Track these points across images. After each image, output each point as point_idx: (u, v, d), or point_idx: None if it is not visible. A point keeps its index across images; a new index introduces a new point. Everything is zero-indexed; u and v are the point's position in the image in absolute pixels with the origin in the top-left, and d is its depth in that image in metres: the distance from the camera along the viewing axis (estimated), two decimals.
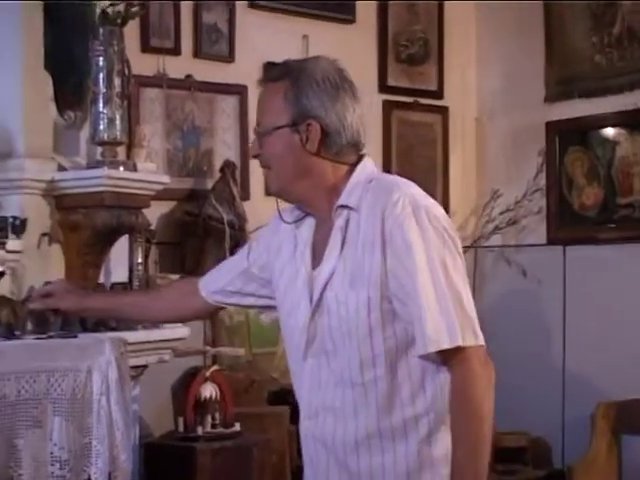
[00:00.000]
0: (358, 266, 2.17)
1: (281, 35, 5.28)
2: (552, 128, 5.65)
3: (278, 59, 4.97)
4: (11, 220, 3.72)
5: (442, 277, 2.11)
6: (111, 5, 3.79)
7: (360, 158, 2.28)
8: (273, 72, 2.31)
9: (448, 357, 2.11)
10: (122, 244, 4.16)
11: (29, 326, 3.26)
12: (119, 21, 3.84)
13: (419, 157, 5.96)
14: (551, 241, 5.66)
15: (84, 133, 4.09)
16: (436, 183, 5.97)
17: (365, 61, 5.69)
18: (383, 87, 5.80)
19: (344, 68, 2.31)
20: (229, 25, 5.13)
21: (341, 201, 2.23)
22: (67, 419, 2.90)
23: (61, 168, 3.96)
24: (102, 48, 3.85)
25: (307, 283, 2.26)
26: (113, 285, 4.01)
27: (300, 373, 2.28)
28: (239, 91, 5.09)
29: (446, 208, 5.83)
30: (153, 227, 4.50)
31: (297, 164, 2.24)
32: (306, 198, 2.29)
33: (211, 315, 2.95)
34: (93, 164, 3.94)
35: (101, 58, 3.85)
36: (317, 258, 2.27)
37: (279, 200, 2.35)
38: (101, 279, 4.06)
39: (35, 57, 3.90)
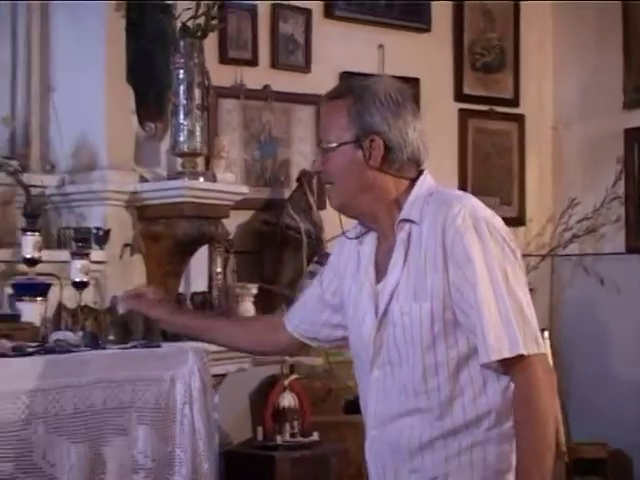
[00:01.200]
0: (421, 278, 2.22)
1: (357, 45, 5.30)
2: (631, 135, 5.58)
3: (354, 69, 5.11)
4: (94, 231, 3.78)
5: (503, 287, 2.15)
6: (191, 18, 3.83)
7: (420, 173, 2.33)
8: (336, 90, 2.37)
9: (511, 365, 2.16)
10: (201, 254, 4.21)
11: (112, 336, 3.30)
12: (199, 34, 3.88)
13: (495, 165, 5.94)
14: (630, 249, 5.59)
15: (165, 144, 4.14)
16: (512, 191, 5.94)
17: (441, 70, 5.69)
18: (459, 95, 5.79)
19: (406, 87, 2.36)
20: (305, 35, 5.17)
21: (403, 215, 2.28)
22: (151, 428, 2.93)
23: (142, 179, 4.02)
24: (182, 61, 3.89)
25: (372, 297, 2.31)
26: (193, 295, 4.06)
27: (367, 385, 2.34)
28: (315, 101, 5.10)
29: (522, 216, 5.82)
30: (231, 236, 4.54)
31: (360, 179, 2.29)
32: (368, 212, 2.33)
33: (295, 351, 2.96)
34: (174, 175, 3.99)
35: (181, 70, 3.89)
36: (381, 272, 2.32)
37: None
38: (181, 289, 4.10)
39: (117, 71, 3.96)
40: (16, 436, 2.66)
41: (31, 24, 4.11)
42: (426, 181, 2.33)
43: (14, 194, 3.88)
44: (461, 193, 2.33)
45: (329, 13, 5.27)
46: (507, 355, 2.13)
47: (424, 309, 2.20)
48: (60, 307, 3.56)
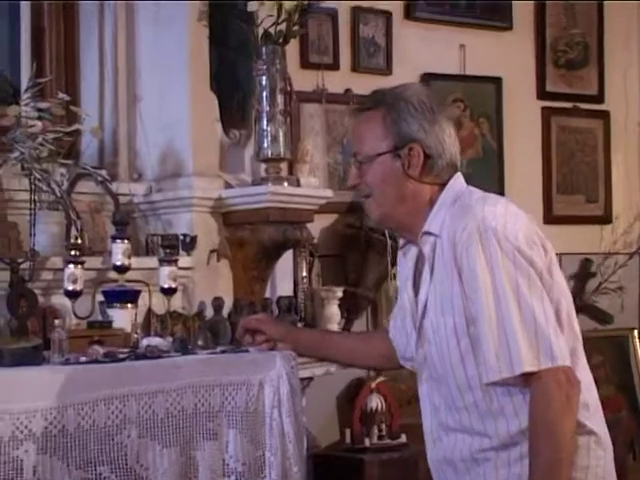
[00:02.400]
0: (445, 293, 2.18)
1: (438, 45, 5.29)
2: None
3: (435, 70, 5.09)
4: (182, 238, 3.83)
5: (511, 301, 2.07)
6: (273, 25, 3.87)
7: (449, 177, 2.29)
8: (368, 101, 2.31)
9: (524, 380, 2.09)
10: (286, 258, 4.24)
11: (201, 341, 3.35)
12: (281, 40, 3.91)
13: (580, 163, 5.86)
14: None
15: (248, 150, 4.19)
16: (598, 189, 5.87)
17: (523, 68, 5.64)
18: (542, 93, 5.73)
19: (434, 93, 2.34)
20: (386, 38, 5.17)
21: (425, 227, 2.23)
22: (241, 432, 2.96)
23: (227, 185, 4.06)
24: (265, 67, 3.93)
25: (411, 311, 2.31)
26: (279, 299, 4.08)
27: (421, 399, 2.34)
28: None
29: (609, 214, 5.74)
30: (316, 240, 4.57)
31: (398, 189, 2.25)
32: (406, 223, 2.29)
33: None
34: (258, 181, 4.03)
35: (264, 77, 3.93)
36: (418, 285, 2.30)
37: None
38: (267, 293, 4.14)
39: (201, 79, 4.01)
40: (111, 440, 2.71)
41: (117, 36, 4.19)
42: (454, 186, 2.26)
43: (103, 203, 3.96)
44: (482, 198, 2.23)
45: (409, 14, 5.26)
46: (507, 375, 2.07)
47: (449, 324, 2.16)
48: (149, 313, 3.62)
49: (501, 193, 5.31)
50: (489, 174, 5.34)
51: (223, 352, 3.10)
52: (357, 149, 2.31)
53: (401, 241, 2.42)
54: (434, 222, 2.22)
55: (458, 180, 2.28)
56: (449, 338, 2.17)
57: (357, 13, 5.09)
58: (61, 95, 3.54)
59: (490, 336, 2.07)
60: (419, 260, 2.31)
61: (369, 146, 2.26)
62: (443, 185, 2.26)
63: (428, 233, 2.23)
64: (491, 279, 2.08)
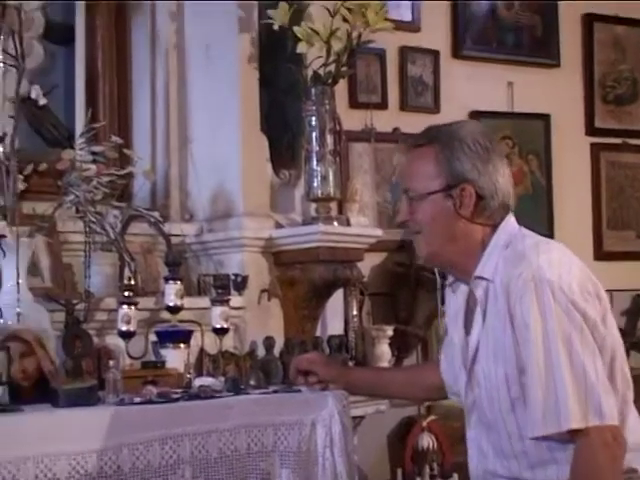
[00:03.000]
0: (497, 340, 2.14)
1: (486, 83, 5.31)
2: None
3: (483, 107, 5.11)
4: (233, 277, 3.86)
5: (562, 354, 2.02)
6: (322, 66, 3.91)
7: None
8: (421, 136, 2.28)
9: (570, 435, 2.04)
10: (337, 297, 4.25)
11: (253, 381, 3.36)
12: (330, 81, 3.95)
13: (630, 198, 5.84)
14: None
15: (298, 190, 4.22)
16: None
17: (571, 104, 5.64)
18: (590, 129, 5.73)
19: (491, 131, 2.28)
20: (434, 76, 5.20)
21: (477, 272, 2.19)
22: (294, 471, 2.96)
23: (278, 225, 4.10)
24: (314, 108, 3.97)
25: (461, 351, 2.27)
26: (330, 338, 4.10)
27: (468, 442, 2.30)
28: None
29: None
30: (366, 279, 4.58)
31: (449, 229, 2.21)
32: (456, 263, 2.25)
33: None
34: (308, 220, 4.05)
35: (313, 117, 3.97)
36: (468, 325, 2.26)
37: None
38: (318, 332, 4.15)
39: (252, 120, 4.06)
40: None
41: (169, 79, 4.26)
42: (506, 227, 2.22)
43: (156, 243, 4.01)
44: (535, 244, 2.18)
45: (457, 53, 5.29)
46: (553, 431, 2.02)
47: (500, 372, 2.13)
48: (202, 353, 3.64)
49: (550, 229, 5.31)
50: (538, 211, 5.34)
51: (275, 392, 3.11)
52: (408, 185, 2.28)
53: (450, 278, 2.39)
54: (487, 266, 2.18)
55: (510, 221, 2.24)
56: (500, 386, 2.14)
57: (405, 52, 5.13)
58: (114, 138, 3.60)
59: (538, 389, 2.04)
60: (470, 298, 2.28)
61: (421, 184, 2.23)
62: (495, 226, 2.23)
63: (481, 278, 2.20)
64: (543, 330, 2.04)
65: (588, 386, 2.02)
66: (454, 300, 2.36)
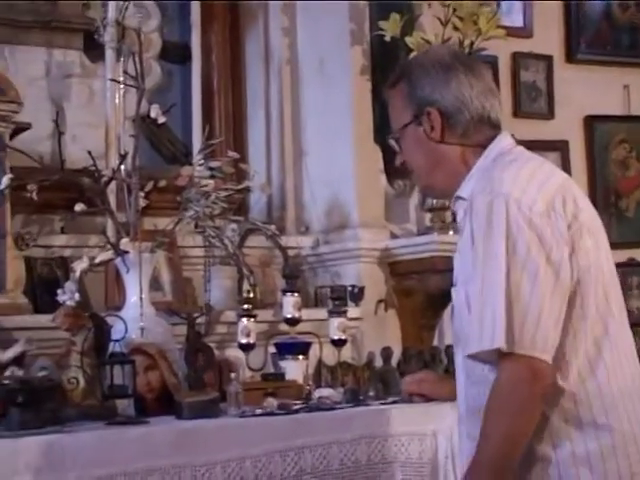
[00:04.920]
0: (463, 261, 2.04)
1: (600, 87, 5.21)
2: None
3: (599, 111, 5.02)
4: (350, 289, 3.89)
5: (498, 273, 1.91)
6: None
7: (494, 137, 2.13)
8: (391, 79, 2.26)
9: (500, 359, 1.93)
10: None
11: (372, 391, 3.38)
12: None
13: None
14: None
15: (413, 200, 4.23)
16: None
17: None
18: None
19: (460, 50, 2.20)
20: (547, 82, 5.13)
21: (458, 192, 2.13)
22: None
23: (393, 236, 4.11)
24: None
25: None
26: (447, 347, 4.08)
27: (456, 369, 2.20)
28: (560, 147, 5.06)
29: None
30: None
31: (428, 156, 2.16)
32: (446, 189, 2.19)
33: None
34: (423, 230, 4.06)
35: None
36: None
37: None
38: (435, 341, 4.14)
39: (365, 131, 4.09)
40: None
41: (282, 94, 4.33)
42: (496, 147, 2.12)
43: (272, 256, 4.06)
44: (513, 160, 2.06)
45: (570, 57, 5.21)
46: (486, 348, 1.90)
47: (461, 292, 2.03)
48: (320, 364, 3.68)
49: None
50: None
51: (395, 402, 3.12)
52: (392, 128, 2.26)
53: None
54: (467, 186, 2.11)
55: (503, 141, 2.14)
56: (462, 307, 2.04)
57: (517, 59, 5.08)
58: (231, 153, 3.65)
59: (476, 306, 1.94)
60: None
61: (396, 122, 2.21)
62: (484, 147, 2.13)
63: (459, 198, 2.13)
64: (488, 247, 1.94)
65: (519, 310, 1.90)
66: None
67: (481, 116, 2.13)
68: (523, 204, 1.95)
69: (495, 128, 2.15)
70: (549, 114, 5.11)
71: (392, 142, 2.26)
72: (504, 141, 2.14)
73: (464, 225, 2.04)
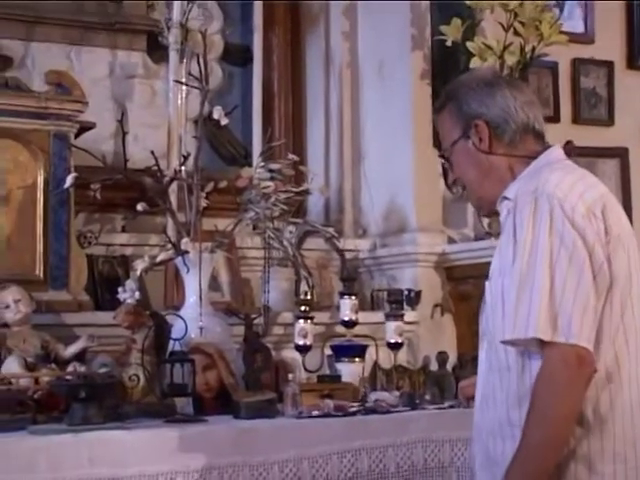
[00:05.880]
0: (502, 254, 2.09)
1: None
2: None
3: None
4: (406, 292, 3.90)
5: (545, 268, 1.97)
6: None
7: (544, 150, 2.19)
8: (437, 103, 2.34)
9: (540, 348, 1.97)
10: None
11: (428, 395, 3.38)
12: None
13: None
14: None
15: (470, 206, 4.20)
16: None
17: None
18: None
19: (497, 69, 2.25)
20: (608, 88, 5.09)
21: (504, 192, 2.18)
22: None
23: (450, 240, 4.11)
24: None
25: None
26: None
27: (479, 364, 2.24)
28: (620, 154, 5.02)
29: None
30: None
31: (479, 168, 2.22)
32: (496, 200, 2.22)
33: None
34: (481, 235, 4.05)
35: None
36: None
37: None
38: None
39: (424, 136, 4.08)
40: None
41: (342, 98, 4.35)
42: (546, 157, 2.17)
43: (330, 259, 4.08)
44: (561, 167, 2.13)
45: (631, 63, 5.17)
46: (519, 336, 1.96)
47: (498, 284, 2.08)
48: (375, 367, 3.68)
49: None
50: None
51: (451, 407, 3.12)
52: (442, 148, 2.33)
53: None
54: (513, 187, 2.17)
55: (555, 153, 2.20)
56: (497, 298, 2.09)
57: (578, 65, 5.05)
58: (291, 156, 3.68)
59: (515, 296, 1.99)
60: None
61: (446, 141, 2.29)
62: (532, 158, 2.19)
63: (505, 198, 2.18)
64: (532, 242, 2.00)
65: (563, 302, 1.96)
66: None
67: (526, 126, 2.21)
68: (566, 206, 2.02)
69: (540, 138, 2.22)
70: (609, 121, 5.07)
71: (444, 162, 2.32)
72: (554, 153, 2.20)
73: (505, 223, 2.11)
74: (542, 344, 1.97)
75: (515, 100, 2.21)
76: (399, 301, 3.74)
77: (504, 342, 2.03)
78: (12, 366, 2.91)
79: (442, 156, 2.33)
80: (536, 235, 2.00)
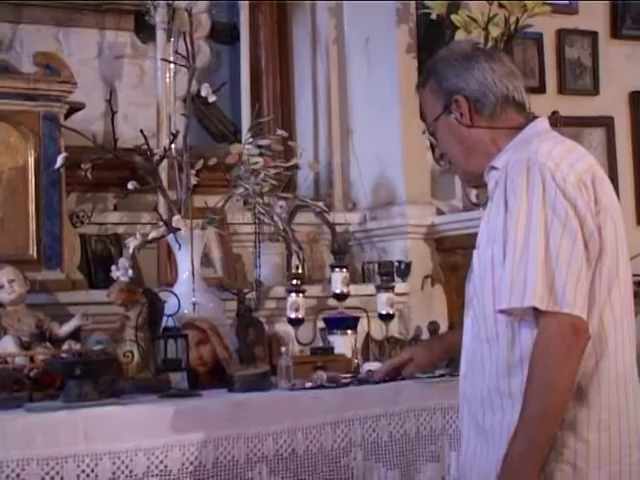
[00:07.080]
0: (492, 223, 2.13)
1: None
2: None
3: None
4: (397, 264, 3.93)
5: (540, 238, 2.00)
6: None
7: (530, 121, 2.22)
8: (420, 80, 2.36)
9: (535, 317, 2.01)
10: None
11: None
12: None
13: None
14: None
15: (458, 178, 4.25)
16: None
17: None
18: None
19: (479, 42, 2.35)
20: (592, 58, 5.12)
21: (491, 162, 2.20)
22: None
23: (439, 212, 4.15)
24: None
25: None
26: None
27: (463, 330, 2.27)
28: (605, 123, 5.05)
29: None
30: None
31: (462, 142, 2.25)
32: (482, 173, 2.25)
33: None
34: (469, 206, 4.08)
35: None
36: None
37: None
38: None
39: (412, 109, 4.08)
40: (338, 462, 2.82)
41: (329, 73, 4.37)
42: (533, 129, 2.20)
43: (320, 233, 4.12)
44: (550, 137, 2.16)
45: (616, 33, 5.19)
46: (515, 305, 1.99)
47: (488, 255, 2.11)
48: (368, 338, 3.72)
49: None
50: None
51: (442, 376, 3.16)
52: (427, 124, 2.37)
53: None
54: (502, 157, 2.19)
55: (540, 124, 2.23)
56: (487, 267, 2.12)
57: (562, 35, 5.07)
58: (280, 132, 3.71)
59: (510, 266, 2.01)
60: None
61: (429, 116, 2.32)
62: (518, 129, 2.22)
63: (493, 168, 2.21)
64: (526, 212, 2.02)
65: (557, 271, 1.99)
66: None
67: (506, 97, 2.23)
68: (557, 176, 2.04)
69: (522, 109, 2.25)
70: (594, 90, 5.09)
71: (430, 137, 2.36)
72: (541, 124, 2.23)
73: (494, 193, 2.14)
74: (537, 313, 2.00)
75: (494, 72, 2.23)
76: (390, 273, 3.77)
77: (500, 311, 2.05)
78: (8, 345, 2.94)
79: (428, 131, 2.37)
80: (529, 205, 2.03)
